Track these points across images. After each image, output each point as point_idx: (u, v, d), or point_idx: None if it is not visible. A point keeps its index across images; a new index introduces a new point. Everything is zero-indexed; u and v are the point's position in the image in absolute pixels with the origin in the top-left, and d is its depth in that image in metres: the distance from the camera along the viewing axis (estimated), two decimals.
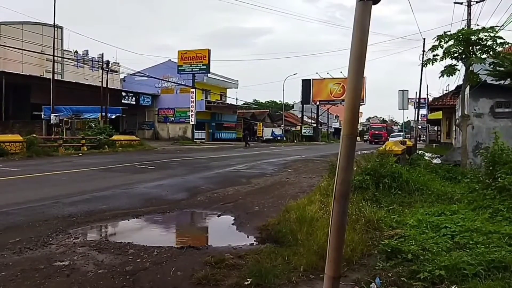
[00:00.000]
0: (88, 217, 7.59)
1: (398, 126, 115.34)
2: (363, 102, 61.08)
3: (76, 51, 55.01)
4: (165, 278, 4.58)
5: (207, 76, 54.59)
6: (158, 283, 4.47)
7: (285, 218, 6.70)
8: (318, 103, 72.33)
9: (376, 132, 70.49)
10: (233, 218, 7.85)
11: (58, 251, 5.48)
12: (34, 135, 24.55)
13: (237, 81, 65.79)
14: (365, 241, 5.51)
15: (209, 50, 50.91)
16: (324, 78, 68.72)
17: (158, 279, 4.55)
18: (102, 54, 45.59)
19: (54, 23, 31.09)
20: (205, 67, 50.92)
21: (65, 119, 33.81)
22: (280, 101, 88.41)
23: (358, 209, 6.81)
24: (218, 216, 8.12)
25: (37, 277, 4.51)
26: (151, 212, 8.25)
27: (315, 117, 77.81)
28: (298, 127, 75.29)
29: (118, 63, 53.19)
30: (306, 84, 69.91)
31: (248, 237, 6.48)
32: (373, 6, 2.82)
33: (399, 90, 31.29)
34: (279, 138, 64.72)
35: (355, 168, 9.09)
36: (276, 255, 5.04)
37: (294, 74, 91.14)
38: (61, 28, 47.76)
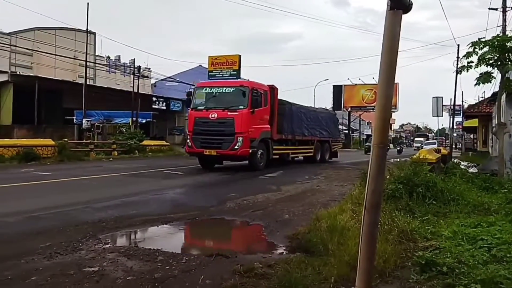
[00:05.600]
0: (118, 222, 7.60)
1: (433, 134, 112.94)
2: (395, 108, 60.16)
3: (108, 57, 56.09)
4: (194, 286, 4.52)
5: None
6: None
7: (316, 227, 6.57)
8: (349, 109, 71.17)
9: (212, 130, 17.58)
10: (263, 226, 7.74)
11: (88, 257, 5.48)
12: (66, 139, 24.93)
13: None
14: (398, 252, 5.34)
15: (239, 56, 50.99)
16: (355, 84, 67.67)
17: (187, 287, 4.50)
18: (134, 59, 46.09)
19: (87, 29, 31.72)
20: (235, 72, 51.00)
21: (96, 123, 34.23)
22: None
23: (391, 219, 6.63)
24: (247, 224, 8.05)
25: (67, 283, 4.52)
26: (180, 218, 8.22)
27: (347, 123, 76.99)
28: None
29: (149, 69, 53.78)
30: (338, 90, 68.97)
31: (278, 246, 6.37)
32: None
33: (433, 97, 30.56)
34: None
35: (387, 177, 8.92)
36: (306, 265, 4.91)
37: (325, 80, 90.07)
38: (94, 33, 48.59)
